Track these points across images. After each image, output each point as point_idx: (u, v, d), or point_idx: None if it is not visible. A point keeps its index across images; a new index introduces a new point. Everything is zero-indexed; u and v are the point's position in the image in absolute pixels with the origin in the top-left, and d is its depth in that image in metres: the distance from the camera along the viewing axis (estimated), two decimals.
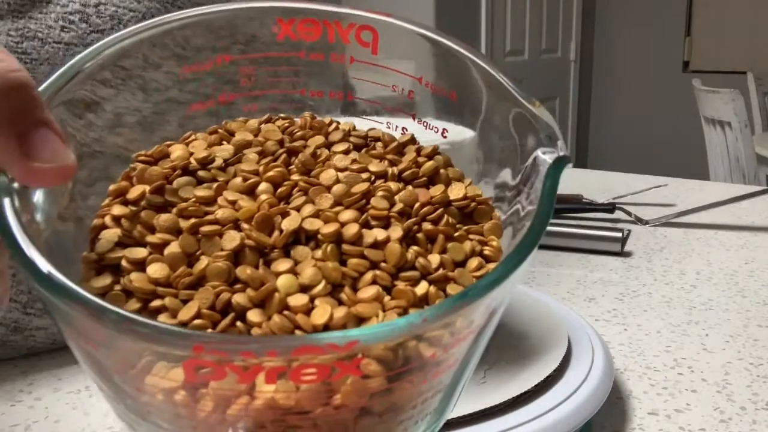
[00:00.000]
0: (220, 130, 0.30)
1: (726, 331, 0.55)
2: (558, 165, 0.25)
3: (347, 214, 0.25)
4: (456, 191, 0.27)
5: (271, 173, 0.27)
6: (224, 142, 0.29)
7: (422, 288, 0.24)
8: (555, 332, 0.45)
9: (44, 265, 0.20)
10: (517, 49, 3.10)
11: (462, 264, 0.25)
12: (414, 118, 0.34)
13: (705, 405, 0.44)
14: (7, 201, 0.21)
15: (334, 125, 0.31)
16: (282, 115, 0.33)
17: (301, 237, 0.25)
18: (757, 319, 0.58)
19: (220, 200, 0.26)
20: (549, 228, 0.90)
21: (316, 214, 0.25)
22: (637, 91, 3.67)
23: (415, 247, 0.25)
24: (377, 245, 0.24)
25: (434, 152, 0.30)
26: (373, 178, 0.27)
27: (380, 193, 0.26)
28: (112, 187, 0.27)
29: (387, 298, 0.23)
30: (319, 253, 0.24)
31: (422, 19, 2.22)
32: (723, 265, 0.72)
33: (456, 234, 0.26)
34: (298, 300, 0.22)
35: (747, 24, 3.29)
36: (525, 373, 0.40)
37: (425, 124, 0.46)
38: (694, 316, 0.59)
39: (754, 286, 0.66)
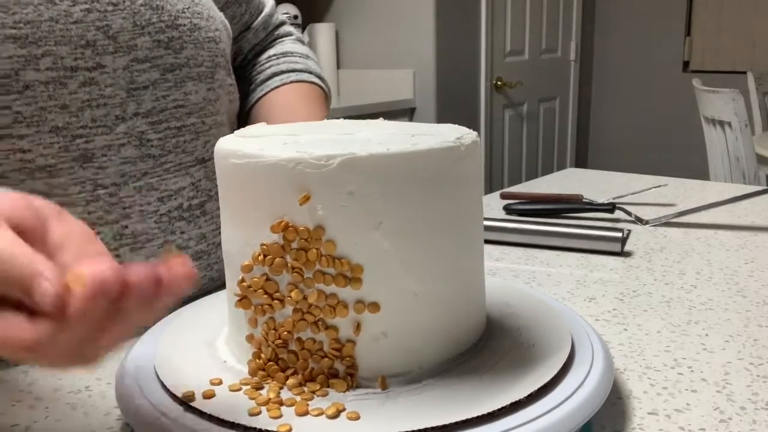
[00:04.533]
0: None
1: (726, 331, 0.55)
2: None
3: None
4: None
5: None
6: None
7: None
8: (558, 333, 0.45)
9: None
10: (517, 49, 3.10)
11: None
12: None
13: (705, 405, 0.44)
14: None
15: None
16: None
17: None
18: (757, 319, 0.58)
19: None
20: (549, 228, 0.90)
21: None
22: (637, 91, 3.67)
23: None
24: None
25: None
26: None
27: None
28: None
29: None
30: None
31: (422, 19, 2.26)
32: (723, 265, 0.72)
33: None
34: None
35: (747, 24, 3.29)
36: (530, 374, 0.40)
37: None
38: (694, 316, 0.59)
39: (754, 286, 0.66)
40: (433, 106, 2.71)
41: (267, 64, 0.77)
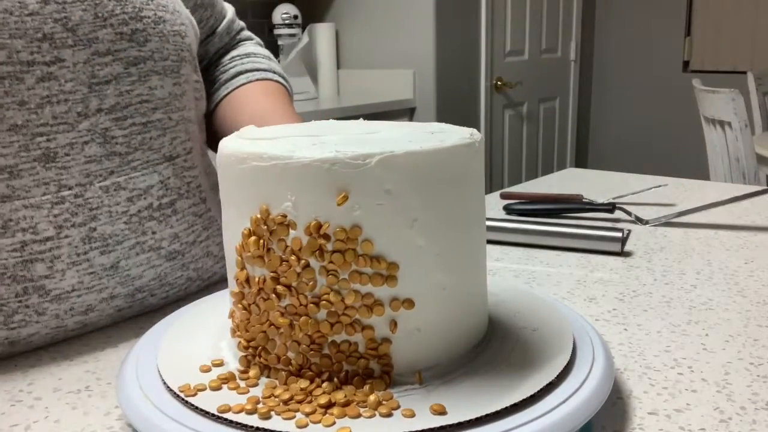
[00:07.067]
0: None
1: (726, 331, 0.55)
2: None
3: None
4: None
5: None
6: None
7: None
8: (560, 333, 0.45)
9: None
10: (517, 49, 3.10)
11: None
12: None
13: (705, 405, 0.44)
14: None
15: None
16: None
17: None
18: (757, 319, 0.58)
19: None
20: (549, 228, 0.90)
21: None
22: (637, 91, 3.67)
23: None
24: None
25: None
26: None
27: None
28: None
29: None
30: None
31: (422, 19, 2.26)
32: (723, 265, 0.72)
33: None
34: None
35: (747, 24, 3.29)
36: (534, 374, 0.40)
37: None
38: (694, 316, 0.59)
39: (754, 286, 0.66)
40: (433, 106, 2.71)
41: (231, 64, 0.78)
